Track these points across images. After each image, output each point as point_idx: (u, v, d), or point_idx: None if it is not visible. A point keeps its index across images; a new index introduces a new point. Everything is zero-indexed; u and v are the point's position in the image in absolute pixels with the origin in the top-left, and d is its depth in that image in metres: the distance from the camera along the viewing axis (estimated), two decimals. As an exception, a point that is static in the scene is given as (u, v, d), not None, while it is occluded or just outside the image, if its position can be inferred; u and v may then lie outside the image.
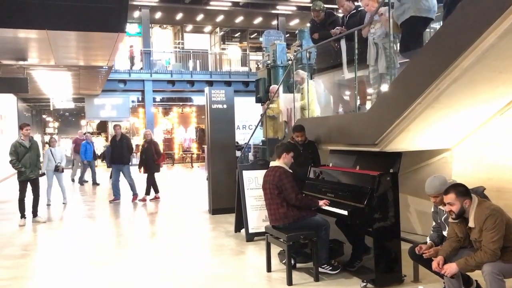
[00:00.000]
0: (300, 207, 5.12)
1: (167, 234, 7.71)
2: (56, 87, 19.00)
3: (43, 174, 9.18)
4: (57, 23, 8.38)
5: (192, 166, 22.64)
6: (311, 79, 8.32)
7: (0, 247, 7.01)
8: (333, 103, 7.96)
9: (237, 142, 13.41)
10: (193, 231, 7.89)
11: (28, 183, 8.58)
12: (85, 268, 5.83)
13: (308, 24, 8.96)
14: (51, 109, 26.29)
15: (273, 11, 26.50)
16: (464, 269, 3.75)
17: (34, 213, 8.81)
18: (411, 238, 5.86)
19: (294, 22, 28.27)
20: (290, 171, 5.29)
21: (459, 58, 4.07)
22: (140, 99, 24.08)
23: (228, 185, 8.66)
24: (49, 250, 6.93)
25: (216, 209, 8.99)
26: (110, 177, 11.79)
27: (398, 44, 5.71)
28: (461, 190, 3.73)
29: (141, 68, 23.52)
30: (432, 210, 4.44)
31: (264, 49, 14.89)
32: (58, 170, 10.76)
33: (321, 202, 5.20)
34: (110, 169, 11.55)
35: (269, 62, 12.66)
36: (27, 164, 8.39)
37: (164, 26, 28.73)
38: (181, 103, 26.60)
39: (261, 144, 11.44)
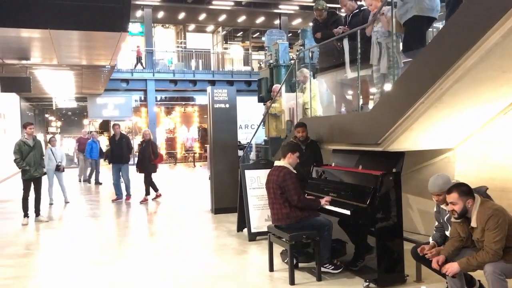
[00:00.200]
0: (302, 208, 5.11)
1: (169, 234, 7.72)
2: (59, 87, 19.02)
3: (44, 173, 9.21)
4: (60, 23, 8.38)
5: (194, 166, 22.65)
6: (314, 78, 8.30)
7: (3, 246, 7.02)
8: (335, 102, 7.95)
9: (239, 142, 13.40)
10: (195, 230, 7.89)
11: (31, 182, 8.60)
12: (87, 267, 5.84)
13: (311, 24, 8.96)
14: (54, 108, 26.31)
15: (276, 11, 26.49)
16: (466, 269, 3.74)
17: (37, 212, 8.83)
18: (413, 237, 5.85)
19: (297, 22, 28.26)
20: (295, 171, 5.27)
21: (462, 57, 4.06)
22: (142, 98, 24.11)
23: (230, 185, 8.67)
24: (52, 249, 6.94)
25: (218, 208, 8.99)
26: None
27: (401, 44, 5.71)
28: (464, 190, 3.72)
29: (143, 67, 23.52)
30: (435, 210, 4.43)
31: (266, 48, 14.89)
32: (59, 169, 10.78)
33: (323, 201, 5.19)
34: None
35: (271, 61, 12.65)
36: (31, 163, 8.42)
37: (167, 25, 28.75)
38: (183, 103, 26.63)
39: (263, 143, 11.43)
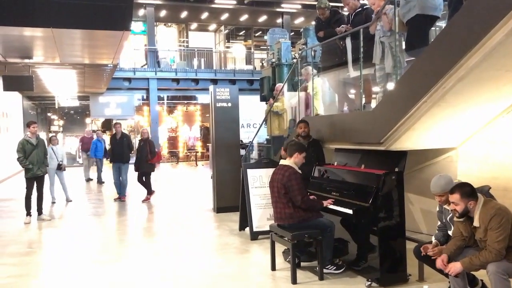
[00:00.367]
0: (305, 209, 5.10)
1: (171, 232, 7.72)
2: (61, 85, 19.05)
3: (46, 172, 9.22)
4: (62, 21, 8.39)
5: (197, 165, 22.65)
6: (318, 77, 8.30)
7: (5, 244, 7.04)
8: (338, 101, 7.94)
9: (242, 141, 13.39)
10: (197, 229, 7.89)
11: (35, 180, 8.62)
12: (89, 266, 5.85)
13: (313, 22, 8.95)
14: (56, 107, 26.38)
15: (278, 9, 26.45)
16: (469, 269, 3.74)
17: (39, 211, 8.85)
18: (416, 237, 5.84)
19: (299, 20, 28.22)
20: (300, 171, 5.25)
21: (465, 56, 4.05)
22: (144, 97, 24.12)
23: (232, 184, 8.67)
24: (54, 248, 6.95)
25: (220, 207, 8.99)
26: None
27: (404, 43, 5.69)
28: (466, 191, 3.71)
29: (145, 65, 23.54)
30: (437, 209, 4.42)
31: (268, 47, 14.88)
32: (60, 168, 10.79)
33: (325, 203, 5.18)
34: None
35: (273, 60, 12.64)
36: (34, 161, 8.45)
37: (169, 24, 28.74)
38: (185, 101, 26.63)
39: (265, 142, 11.42)
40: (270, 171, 6.98)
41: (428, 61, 4.63)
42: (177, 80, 23.49)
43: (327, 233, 5.09)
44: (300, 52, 11.04)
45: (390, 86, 5.79)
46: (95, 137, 15.41)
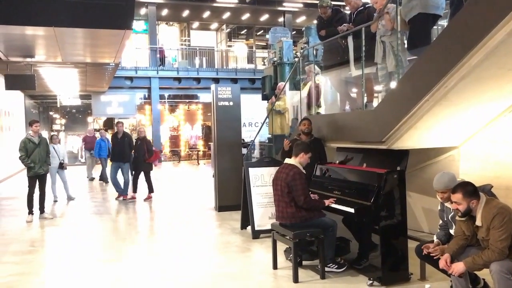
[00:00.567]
0: (307, 209, 5.10)
1: (173, 231, 7.73)
2: (63, 84, 19.05)
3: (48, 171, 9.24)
4: (64, 20, 8.40)
5: (198, 163, 22.67)
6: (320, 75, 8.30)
7: (7, 243, 7.06)
8: (340, 100, 7.94)
9: (243, 140, 13.40)
10: (198, 228, 7.90)
11: (37, 179, 8.64)
12: (91, 265, 5.86)
13: (315, 21, 8.93)
14: (58, 106, 26.39)
15: (280, 8, 26.44)
16: (472, 268, 3.73)
17: (41, 209, 8.87)
18: (418, 236, 5.83)
19: (301, 19, 28.19)
20: (304, 172, 5.25)
21: (467, 55, 4.05)
22: (146, 96, 24.13)
23: (234, 182, 8.68)
24: (56, 247, 6.97)
25: (222, 206, 9.00)
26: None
27: (406, 42, 5.68)
28: (468, 190, 3.70)
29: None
30: (439, 208, 4.42)
31: (270, 46, 14.88)
32: (62, 167, 10.81)
33: (327, 202, 5.18)
34: None
35: (275, 59, 12.64)
36: (36, 160, 8.47)
37: (171, 23, 28.74)
38: (187, 100, 26.64)
39: (267, 141, 11.42)
40: (271, 169, 7.03)
41: (430, 59, 4.62)
42: (178, 79, 23.49)
43: (329, 232, 5.10)
44: (302, 51, 11.03)
45: (392, 85, 5.79)
46: (98, 136, 15.38)
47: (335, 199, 5.20)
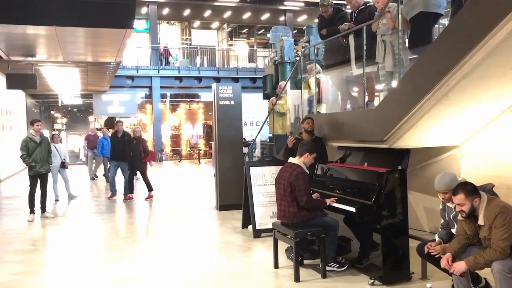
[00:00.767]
0: (308, 209, 5.10)
1: (174, 230, 7.73)
2: (64, 83, 19.09)
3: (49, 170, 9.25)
4: (65, 20, 8.41)
5: (199, 163, 22.68)
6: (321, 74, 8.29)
7: (9, 242, 7.07)
8: (341, 99, 7.93)
9: (244, 139, 13.39)
10: (200, 227, 7.90)
11: (38, 178, 8.65)
12: (92, 264, 5.86)
13: (316, 20, 8.93)
14: (59, 105, 26.43)
15: (281, 7, 26.44)
16: (473, 267, 3.72)
17: (43, 208, 8.88)
18: (419, 235, 5.83)
19: (302, 18, 28.19)
20: (307, 172, 5.24)
21: (468, 54, 4.04)
22: (147, 95, 24.14)
23: (235, 182, 8.67)
24: (57, 246, 6.98)
25: (223, 205, 9.00)
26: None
27: (407, 41, 5.68)
28: (469, 189, 3.70)
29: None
30: (441, 207, 4.41)
31: (271, 45, 14.87)
32: (64, 166, 10.82)
33: (328, 201, 5.18)
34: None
35: (276, 58, 12.63)
36: (37, 159, 8.47)
37: (172, 22, 28.77)
38: (188, 99, 26.65)
39: (268, 140, 11.41)
40: (273, 169, 7.03)
41: (431, 58, 4.61)
42: (180, 78, 23.51)
43: (331, 231, 5.09)
44: (303, 50, 11.03)
45: (393, 84, 5.78)
46: (100, 135, 15.37)
47: (336, 198, 5.20)
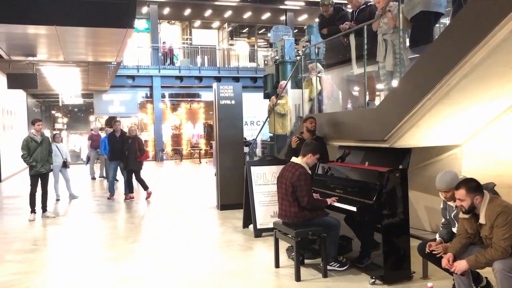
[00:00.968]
0: (309, 209, 5.10)
1: (175, 230, 7.73)
2: (65, 83, 19.11)
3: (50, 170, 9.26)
4: (66, 19, 8.42)
5: (200, 162, 22.68)
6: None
7: (10, 241, 7.08)
8: (342, 99, 7.92)
9: (245, 138, 13.38)
10: (201, 227, 7.91)
11: (39, 178, 8.66)
12: (93, 263, 5.87)
13: (317, 19, 8.92)
14: (60, 104, 26.46)
15: (282, 7, 26.43)
16: (474, 267, 3.72)
17: (44, 208, 8.89)
18: (420, 234, 5.83)
19: (303, 18, 28.18)
20: (310, 172, 5.23)
21: (469, 53, 4.04)
22: (148, 95, 24.15)
23: (236, 181, 8.68)
24: (58, 245, 6.98)
25: (224, 204, 9.01)
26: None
27: (408, 40, 5.67)
28: (472, 186, 3.70)
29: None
30: (442, 206, 4.41)
31: (272, 44, 14.86)
32: (66, 166, 10.82)
33: (329, 201, 5.17)
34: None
35: (277, 57, 12.62)
36: (38, 159, 8.48)
37: (172, 21, 28.76)
38: (189, 99, 26.65)
39: (269, 140, 11.41)
40: (274, 168, 7.04)
41: (432, 58, 4.61)
42: (180, 78, 23.51)
43: (333, 231, 5.08)
44: (303, 49, 11.02)
45: (394, 83, 5.78)
46: (103, 134, 15.37)
47: (337, 197, 5.20)
